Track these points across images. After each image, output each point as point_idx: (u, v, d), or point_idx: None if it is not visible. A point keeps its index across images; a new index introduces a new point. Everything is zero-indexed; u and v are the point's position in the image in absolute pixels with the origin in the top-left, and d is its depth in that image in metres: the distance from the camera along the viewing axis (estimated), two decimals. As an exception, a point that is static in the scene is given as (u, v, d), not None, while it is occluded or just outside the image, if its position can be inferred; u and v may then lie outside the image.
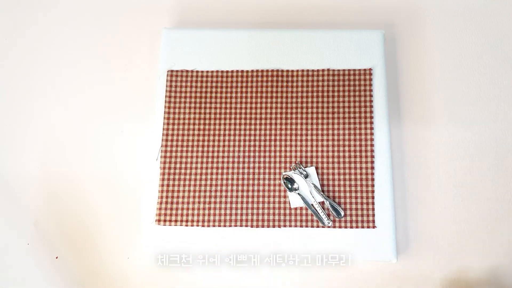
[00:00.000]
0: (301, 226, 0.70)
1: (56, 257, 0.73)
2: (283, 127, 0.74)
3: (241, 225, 0.70)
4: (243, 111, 0.75)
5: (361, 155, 0.72)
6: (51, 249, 0.74)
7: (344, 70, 0.76)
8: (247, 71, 0.76)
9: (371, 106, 0.74)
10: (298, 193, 0.70)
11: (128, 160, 0.77)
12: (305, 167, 0.71)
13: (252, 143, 0.73)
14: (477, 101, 0.78)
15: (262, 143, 0.73)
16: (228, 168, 0.72)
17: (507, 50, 0.80)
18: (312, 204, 0.70)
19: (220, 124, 0.74)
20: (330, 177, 0.71)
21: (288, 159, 0.72)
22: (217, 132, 0.74)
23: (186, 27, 0.83)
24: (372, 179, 0.70)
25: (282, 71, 0.76)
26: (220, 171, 0.72)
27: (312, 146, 0.72)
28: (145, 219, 0.70)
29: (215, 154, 0.73)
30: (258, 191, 0.71)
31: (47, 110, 0.80)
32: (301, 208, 0.70)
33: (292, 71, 0.76)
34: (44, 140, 0.79)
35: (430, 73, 0.80)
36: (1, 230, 0.75)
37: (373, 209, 0.70)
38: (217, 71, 0.76)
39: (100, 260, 0.73)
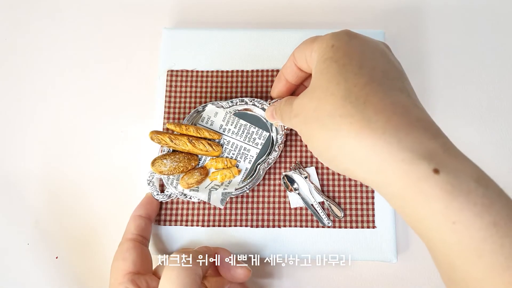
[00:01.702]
0: (301, 226, 0.70)
1: (56, 257, 0.73)
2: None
3: (241, 225, 0.70)
4: (243, 111, 0.74)
5: (361, 155, 0.71)
6: (51, 249, 0.74)
7: (344, 70, 0.76)
8: (247, 71, 0.76)
9: (371, 106, 0.73)
10: (298, 193, 0.70)
11: (128, 160, 0.77)
12: (305, 167, 0.71)
13: (252, 143, 0.73)
14: (477, 101, 0.78)
15: (262, 143, 0.73)
16: (228, 168, 0.72)
17: (508, 50, 0.80)
18: (312, 204, 0.70)
19: (220, 124, 0.74)
20: (330, 177, 0.71)
21: (288, 159, 0.72)
22: (217, 132, 0.74)
23: (186, 27, 0.83)
24: (372, 179, 0.70)
25: (282, 71, 0.76)
26: (220, 171, 0.72)
27: (312, 146, 0.72)
28: (145, 219, 0.70)
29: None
30: (258, 191, 0.71)
31: (48, 109, 0.80)
32: (301, 208, 0.70)
33: (292, 71, 0.76)
34: (44, 139, 0.79)
35: (430, 73, 0.80)
36: (1, 230, 0.75)
37: (373, 209, 0.70)
38: (217, 71, 0.76)
39: (100, 260, 0.73)
